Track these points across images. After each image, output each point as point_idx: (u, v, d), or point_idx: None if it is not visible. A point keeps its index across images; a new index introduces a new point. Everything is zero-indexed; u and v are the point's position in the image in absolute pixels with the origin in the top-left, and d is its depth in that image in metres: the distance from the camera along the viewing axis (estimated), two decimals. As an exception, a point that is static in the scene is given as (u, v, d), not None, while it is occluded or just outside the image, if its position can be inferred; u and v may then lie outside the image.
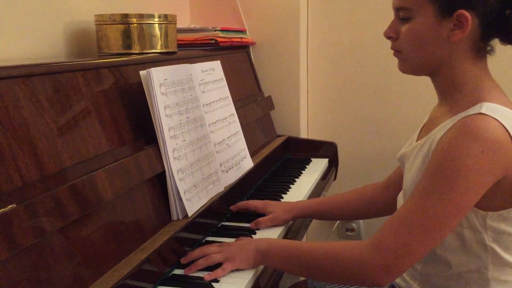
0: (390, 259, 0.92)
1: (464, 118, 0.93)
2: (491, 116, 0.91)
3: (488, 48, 1.00)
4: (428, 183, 0.92)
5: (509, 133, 0.90)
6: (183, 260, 1.06)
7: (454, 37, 0.96)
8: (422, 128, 1.14)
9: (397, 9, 1.02)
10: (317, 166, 1.87)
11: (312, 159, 1.96)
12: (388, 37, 1.05)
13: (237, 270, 1.05)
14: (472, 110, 0.93)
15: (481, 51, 0.99)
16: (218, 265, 1.04)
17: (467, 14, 0.94)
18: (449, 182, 0.89)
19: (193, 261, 1.06)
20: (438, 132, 0.98)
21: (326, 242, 1.02)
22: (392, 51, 1.07)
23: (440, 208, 0.90)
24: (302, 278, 1.30)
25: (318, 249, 1.00)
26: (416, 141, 1.10)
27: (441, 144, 0.94)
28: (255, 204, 1.35)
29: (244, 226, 1.29)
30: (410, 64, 1.04)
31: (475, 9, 0.94)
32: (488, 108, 0.92)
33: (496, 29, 0.97)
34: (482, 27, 0.96)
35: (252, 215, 1.33)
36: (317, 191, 1.67)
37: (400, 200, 1.11)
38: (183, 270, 1.05)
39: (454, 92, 1.01)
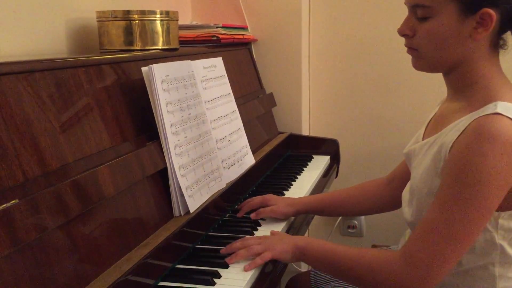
0: (423, 272, 0.92)
1: (479, 119, 0.91)
2: (506, 116, 0.89)
3: (501, 42, 0.99)
4: (451, 191, 0.91)
5: None
6: (223, 251, 1.09)
7: (477, 36, 0.94)
8: (428, 124, 1.12)
9: (414, 6, 0.98)
10: (318, 163, 1.87)
11: (313, 156, 1.96)
12: (403, 35, 1.02)
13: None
14: (487, 110, 0.92)
15: (495, 46, 0.98)
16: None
17: (492, 12, 0.92)
18: (472, 188, 0.89)
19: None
20: (450, 132, 0.96)
21: (361, 250, 1.03)
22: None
23: (466, 215, 0.89)
24: (304, 269, 1.30)
25: (353, 257, 1.01)
26: (423, 137, 1.09)
27: (459, 148, 0.92)
28: (257, 201, 1.35)
29: (246, 223, 1.30)
30: (427, 62, 1.01)
31: (497, 6, 0.92)
32: (503, 107, 0.91)
33: (511, 22, 0.95)
34: (501, 22, 0.94)
35: (255, 211, 1.33)
36: (318, 188, 1.67)
37: (406, 196, 1.10)
38: (184, 266, 1.06)
39: (467, 89, 1.00)
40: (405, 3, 1.02)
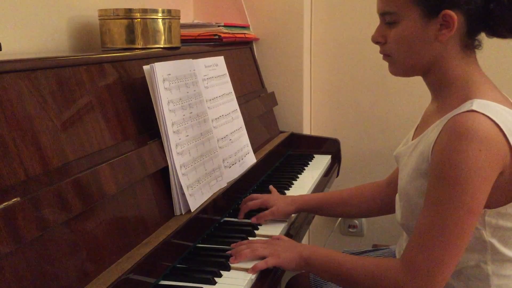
0: (425, 278, 0.92)
1: (455, 117, 0.93)
2: (481, 113, 0.91)
3: (476, 43, 1.01)
4: (437, 194, 0.92)
5: (500, 129, 0.90)
6: (230, 252, 1.09)
7: (441, 37, 0.97)
8: (417, 126, 1.14)
9: (382, 14, 1.03)
10: (320, 163, 1.87)
11: (315, 155, 1.96)
12: (376, 42, 1.06)
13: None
14: (463, 107, 0.94)
15: (469, 46, 1.00)
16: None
17: (452, 13, 0.94)
18: (457, 188, 0.90)
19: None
20: (431, 133, 0.98)
21: (364, 259, 1.03)
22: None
23: (456, 215, 0.90)
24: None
25: (356, 267, 1.01)
26: (412, 139, 1.10)
27: (438, 149, 0.94)
28: (257, 203, 1.35)
29: (246, 221, 1.30)
30: (400, 67, 1.05)
31: (459, 8, 0.95)
32: (478, 104, 0.92)
33: (481, 23, 0.97)
34: (468, 23, 0.97)
35: (256, 210, 1.33)
36: (319, 188, 1.67)
37: (397, 198, 1.11)
38: (185, 265, 1.06)
39: (445, 90, 1.02)
40: (377, 12, 1.06)
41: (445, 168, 0.91)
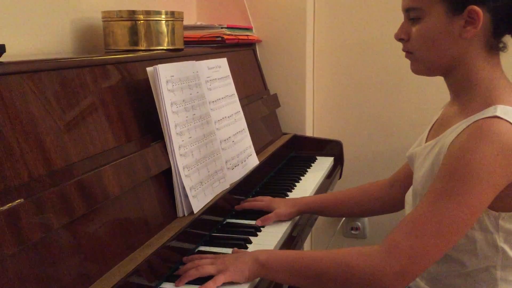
0: (404, 264, 0.90)
1: (479, 121, 0.92)
2: (505, 120, 0.90)
3: (501, 45, 0.99)
4: (441, 186, 0.91)
5: None
6: (177, 283, 0.98)
7: (466, 34, 0.95)
8: (432, 127, 1.13)
9: (407, 10, 1.01)
10: (322, 165, 1.87)
11: (317, 157, 1.95)
12: (399, 39, 1.04)
13: (232, 283, 0.99)
14: (487, 113, 0.92)
15: (493, 47, 0.98)
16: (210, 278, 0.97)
17: (478, 9, 0.93)
18: (463, 185, 0.89)
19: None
20: (450, 135, 0.97)
21: (331, 250, 0.98)
22: (400, 51, 1.06)
23: (454, 211, 0.89)
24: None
25: (325, 258, 0.96)
26: (426, 140, 1.09)
27: (454, 146, 0.93)
28: (260, 205, 1.35)
29: (249, 224, 1.30)
30: (423, 65, 1.03)
31: (485, 4, 0.93)
32: (502, 110, 0.91)
33: (508, 24, 0.96)
34: (494, 22, 0.95)
35: (257, 212, 1.33)
36: (322, 190, 1.67)
37: (409, 199, 1.11)
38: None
39: (467, 92, 1.00)
40: (401, 9, 1.04)
41: (458, 164, 0.90)
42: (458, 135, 0.94)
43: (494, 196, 0.91)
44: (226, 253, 1.08)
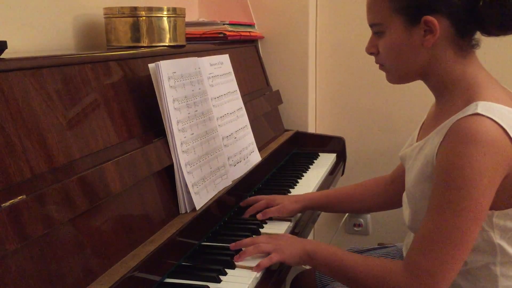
0: (428, 281, 0.92)
1: (459, 121, 0.92)
2: (486, 116, 0.90)
3: (473, 42, 1.00)
4: (441, 197, 0.92)
5: (506, 132, 0.89)
6: (232, 246, 1.09)
7: (427, 43, 0.98)
8: (421, 126, 1.14)
9: (370, 26, 1.05)
10: (325, 161, 1.87)
11: (320, 153, 1.95)
12: (370, 53, 1.08)
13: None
14: (467, 111, 0.93)
15: (464, 47, 0.99)
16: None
17: (432, 18, 0.95)
18: (461, 191, 0.89)
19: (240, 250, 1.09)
20: (435, 136, 0.97)
21: (368, 259, 1.03)
22: None
23: (459, 218, 0.90)
24: (309, 267, 1.30)
25: (360, 266, 1.01)
26: (416, 140, 1.10)
27: (443, 152, 0.93)
28: (262, 205, 1.34)
29: (252, 220, 1.30)
30: (394, 75, 1.07)
31: (440, 12, 0.95)
32: (483, 107, 0.91)
33: (471, 23, 0.97)
34: (455, 25, 0.96)
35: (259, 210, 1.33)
36: (324, 186, 1.67)
37: (404, 199, 1.11)
38: (191, 263, 1.06)
39: (446, 92, 1.02)
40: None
41: (450, 172, 0.90)
42: (443, 137, 0.94)
43: (494, 193, 0.91)
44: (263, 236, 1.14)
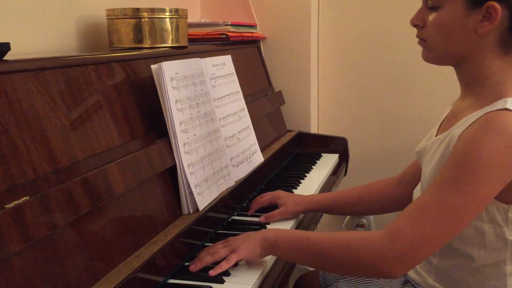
0: (406, 250, 0.90)
1: (489, 114, 0.91)
2: None
3: None
4: (448, 175, 0.91)
5: None
6: (192, 268, 1.02)
7: (482, 29, 0.95)
8: (442, 122, 1.12)
9: None
10: (327, 161, 1.87)
11: (322, 154, 1.95)
12: (414, 25, 1.04)
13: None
14: (497, 105, 0.92)
15: (507, 44, 0.97)
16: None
17: (497, 5, 0.92)
18: (470, 175, 0.88)
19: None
20: (460, 127, 0.96)
21: (337, 232, 1.00)
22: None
23: (459, 201, 0.89)
24: (313, 268, 1.29)
25: (329, 239, 0.98)
26: (436, 135, 1.09)
27: (463, 137, 0.92)
28: (267, 200, 1.35)
29: (254, 221, 1.30)
30: (435, 54, 1.03)
31: (505, 1, 0.92)
32: None
33: None
34: (511, 20, 0.94)
35: (263, 210, 1.33)
36: (327, 187, 1.67)
37: (417, 194, 1.10)
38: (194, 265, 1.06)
39: (477, 85, 1.00)
40: None
41: (466, 154, 0.89)
42: (468, 127, 0.94)
43: (501, 189, 0.90)
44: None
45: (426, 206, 0.91)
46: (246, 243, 1.04)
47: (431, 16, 0.99)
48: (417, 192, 1.11)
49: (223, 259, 1.02)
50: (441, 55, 1.02)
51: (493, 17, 0.93)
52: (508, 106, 0.91)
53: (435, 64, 1.05)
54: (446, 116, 1.12)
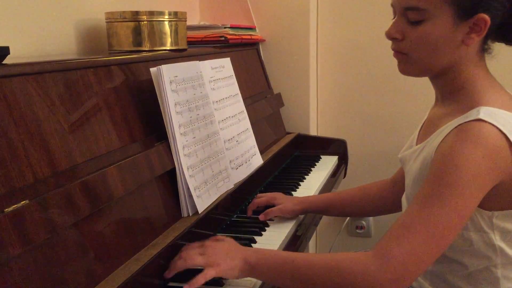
0: (398, 270, 0.87)
1: (462, 125, 0.91)
2: (488, 122, 0.89)
3: (486, 47, 0.99)
4: (430, 191, 0.90)
5: (507, 138, 0.89)
6: (167, 274, 0.98)
7: (469, 41, 0.93)
8: (420, 129, 1.13)
9: (406, 9, 0.95)
10: (326, 164, 1.87)
11: (321, 156, 1.95)
12: (392, 39, 0.99)
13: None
14: (470, 116, 0.92)
15: (482, 51, 0.98)
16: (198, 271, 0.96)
17: (487, 17, 0.91)
18: (452, 188, 0.88)
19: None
20: (437, 138, 0.97)
21: (324, 254, 0.96)
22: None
23: (443, 216, 0.88)
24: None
25: (317, 262, 0.92)
26: (416, 142, 1.09)
27: (441, 151, 0.92)
28: (263, 201, 1.35)
29: (254, 223, 1.30)
30: (417, 67, 0.99)
31: (492, 12, 0.91)
32: (485, 113, 0.91)
33: (502, 30, 0.95)
34: (489, 28, 0.93)
35: (262, 211, 1.33)
36: (326, 189, 1.67)
37: (404, 201, 1.11)
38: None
39: (454, 94, 1.00)
40: (392, 5, 0.99)
41: (445, 168, 0.89)
42: (444, 138, 0.93)
43: (481, 198, 0.90)
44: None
45: (412, 223, 0.89)
46: (226, 261, 0.95)
47: (414, 30, 0.95)
48: (403, 200, 1.11)
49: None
50: (424, 68, 0.99)
51: (482, 29, 0.92)
52: (480, 116, 0.90)
53: (415, 76, 1.02)
54: (424, 123, 1.13)
